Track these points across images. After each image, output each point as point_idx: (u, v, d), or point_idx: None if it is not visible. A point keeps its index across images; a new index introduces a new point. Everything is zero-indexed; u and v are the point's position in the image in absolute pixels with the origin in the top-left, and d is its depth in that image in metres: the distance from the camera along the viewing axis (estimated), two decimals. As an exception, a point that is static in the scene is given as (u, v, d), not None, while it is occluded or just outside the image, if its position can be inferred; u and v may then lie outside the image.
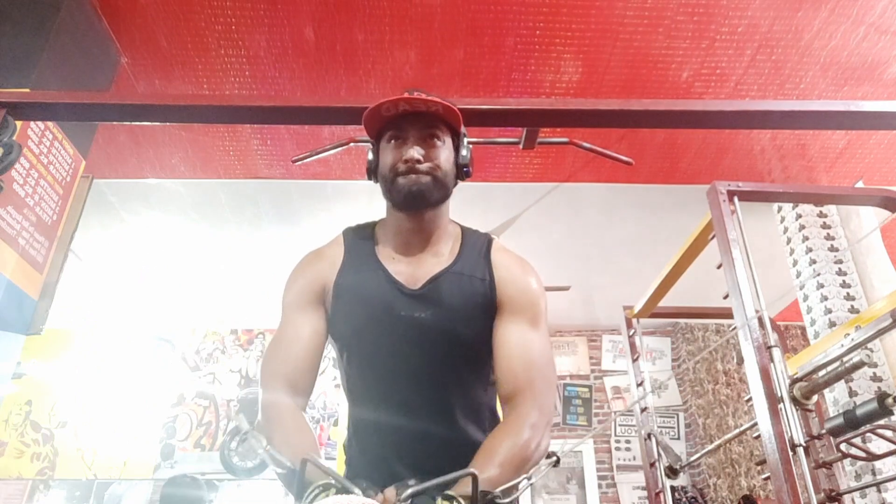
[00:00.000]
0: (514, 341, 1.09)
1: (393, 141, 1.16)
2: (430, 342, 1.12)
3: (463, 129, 1.21)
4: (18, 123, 1.39)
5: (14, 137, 1.35)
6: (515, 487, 0.90)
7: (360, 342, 1.16)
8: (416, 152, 1.12)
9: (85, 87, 2.42)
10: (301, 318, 1.14)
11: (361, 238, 1.24)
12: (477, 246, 1.21)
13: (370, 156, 1.21)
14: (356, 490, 0.84)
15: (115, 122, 2.79)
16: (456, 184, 1.21)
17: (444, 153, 1.16)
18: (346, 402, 1.25)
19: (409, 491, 0.86)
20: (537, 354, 1.09)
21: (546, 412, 1.03)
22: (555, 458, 0.98)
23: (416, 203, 1.14)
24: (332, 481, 0.85)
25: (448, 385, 1.15)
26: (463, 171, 1.21)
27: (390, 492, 0.88)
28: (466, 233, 1.25)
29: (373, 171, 1.21)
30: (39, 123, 2.18)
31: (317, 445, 1.02)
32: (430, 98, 1.12)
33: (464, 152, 1.20)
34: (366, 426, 1.20)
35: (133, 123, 2.72)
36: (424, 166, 1.12)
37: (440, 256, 1.18)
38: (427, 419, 1.15)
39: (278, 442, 0.96)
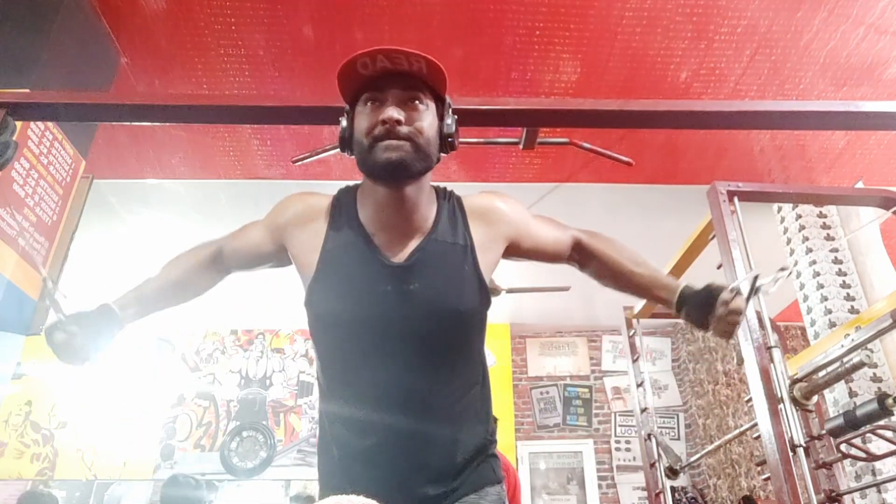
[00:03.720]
0: (542, 235, 1.23)
1: (370, 104, 1.05)
2: (420, 316, 1.06)
3: (448, 100, 1.11)
4: (18, 123, 1.39)
5: (14, 137, 1.35)
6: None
7: (341, 320, 1.08)
8: (395, 112, 1.01)
9: (85, 87, 2.42)
10: (261, 228, 1.20)
11: (348, 203, 1.14)
12: (449, 208, 1.14)
13: (343, 123, 1.09)
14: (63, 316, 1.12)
15: (115, 122, 2.78)
16: (439, 158, 1.10)
17: (428, 118, 1.05)
18: (320, 395, 1.16)
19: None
20: (555, 223, 1.26)
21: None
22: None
23: (396, 174, 1.03)
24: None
25: (438, 366, 1.08)
26: (447, 143, 1.09)
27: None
28: (438, 193, 1.17)
29: (347, 141, 1.09)
30: (39, 124, 2.18)
31: (169, 279, 1.29)
32: (411, 51, 1.01)
33: (448, 121, 1.09)
34: (345, 418, 1.11)
35: (133, 123, 2.72)
36: (405, 130, 1.01)
37: (421, 226, 1.11)
38: (414, 406, 1.07)
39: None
